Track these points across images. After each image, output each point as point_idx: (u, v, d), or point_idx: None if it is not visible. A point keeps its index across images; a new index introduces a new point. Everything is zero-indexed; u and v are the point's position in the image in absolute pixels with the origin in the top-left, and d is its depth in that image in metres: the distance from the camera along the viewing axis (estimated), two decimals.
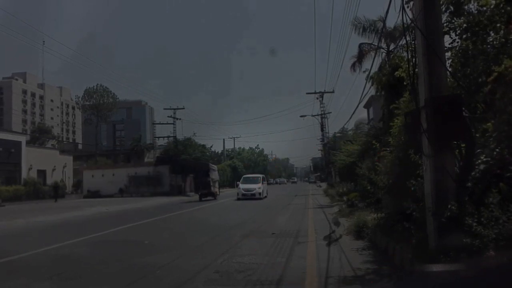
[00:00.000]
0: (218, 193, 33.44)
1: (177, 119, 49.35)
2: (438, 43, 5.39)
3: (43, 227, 14.31)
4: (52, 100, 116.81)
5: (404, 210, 6.54)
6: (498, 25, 6.21)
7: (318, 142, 55.87)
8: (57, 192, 35.77)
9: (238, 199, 27.67)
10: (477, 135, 5.58)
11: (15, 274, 6.51)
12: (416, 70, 5.68)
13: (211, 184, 31.42)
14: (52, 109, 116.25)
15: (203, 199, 29.82)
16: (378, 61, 20.00)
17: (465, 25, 6.56)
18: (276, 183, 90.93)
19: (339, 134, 40.39)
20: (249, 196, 27.36)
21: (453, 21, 6.71)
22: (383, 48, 21.19)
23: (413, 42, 5.81)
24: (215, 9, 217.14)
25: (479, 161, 5.39)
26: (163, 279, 5.91)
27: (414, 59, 5.71)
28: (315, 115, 48.00)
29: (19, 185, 35.44)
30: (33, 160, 38.36)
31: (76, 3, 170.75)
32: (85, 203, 29.43)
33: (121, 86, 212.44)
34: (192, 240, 9.81)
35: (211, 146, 64.80)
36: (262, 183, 30.15)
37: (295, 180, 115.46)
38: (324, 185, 48.89)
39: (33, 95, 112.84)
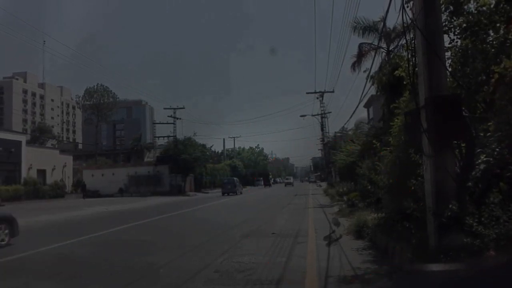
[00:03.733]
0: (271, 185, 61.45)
1: (177, 118, 49.29)
2: (438, 42, 5.38)
3: (43, 226, 14.30)
4: (52, 100, 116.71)
5: (404, 210, 6.54)
6: (498, 24, 6.20)
7: (318, 142, 55.93)
8: (84, 190, 41.30)
9: None
10: (478, 134, 5.57)
11: (15, 273, 6.51)
12: (416, 69, 5.67)
13: (270, 181, 72.88)
14: (52, 109, 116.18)
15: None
16: (378, 60, 20.00)
17: (464, 25, 6.55)
18: (276, 182, 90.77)
19: (339, 134, 40.32)
20: None
21: (453, 20, 6.70)
22: (383, 48, 21.16)
23: (413, 41, 5.81)
24: (215, 9, 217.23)
25: (480, 160, 5.39)
26: (163, 278, 5.90)
27: (414, 59, 5.70)
28: (315, 115, 48.04)
29: (19, 184, 35.40)
30: (33, 160, 38.30)
31: (76, 3, 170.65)
32: (85, 202, 29.44)
33: (121, 85, 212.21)
34: (192, 239, 9.80)
35: (212, 146, 64.76)
36: None
37: (291, 180, 78.56)
38: (324, 184, 48.88)
39: (33, 94, 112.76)
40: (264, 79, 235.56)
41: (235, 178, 43.93)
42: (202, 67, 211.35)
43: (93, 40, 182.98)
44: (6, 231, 9.26)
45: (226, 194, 37.42)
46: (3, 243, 9.11)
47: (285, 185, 69.43)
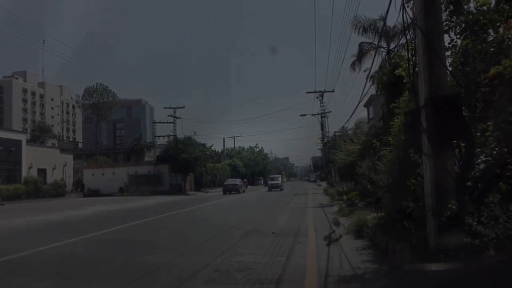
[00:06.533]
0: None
1: (177, 118, 49.31)
2: (438, 42, 5.38)
3: (43, 225, 14.30)
4: (52, 99, 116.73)
5: (404, 209, 6.54)
6: (498, 24, 6.21)
7: (318, 141, 55.89)
8: (83, 189, 44.13)
9: None
10: (477, 134, 5.57)
11: (15, 273, 6.51)
12: (416, 69, 5.67)
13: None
14: (52, 108, 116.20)
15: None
16: (378, 60, 20.01)
17: (464, 24, 6.56)
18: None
19: (339, 133, 40.33)
20: None
21: (453, 20, 6.71)
22: (383, 47, 21.15)
23: (413, 41, 5.81)
24: (215, 8, 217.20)
25: (479, 160, 5.39)
26: (163, 278, 5.90)
27: (414, 58, 5.70)
28: (315, 114, 48.09)
29: (19, 184, 35.39)
30: (33, 159, 38.29)
31: (76, 2, 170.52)
32: (85, 202, 29.45)
33: (121, 85, 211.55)
34: (192, 239, 9.81)
35: (212, 145, 64.72)
36: None
37: (278, 181, 49.87)
38: (324, 184, 48.87)
39: (33, 94, 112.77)
40: (264, 78, 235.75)
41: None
42: (202, 66, 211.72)
43: (93, 39, 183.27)
44: (244, 188, 45.37)
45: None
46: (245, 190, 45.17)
47: (269, 190, 46.20)
